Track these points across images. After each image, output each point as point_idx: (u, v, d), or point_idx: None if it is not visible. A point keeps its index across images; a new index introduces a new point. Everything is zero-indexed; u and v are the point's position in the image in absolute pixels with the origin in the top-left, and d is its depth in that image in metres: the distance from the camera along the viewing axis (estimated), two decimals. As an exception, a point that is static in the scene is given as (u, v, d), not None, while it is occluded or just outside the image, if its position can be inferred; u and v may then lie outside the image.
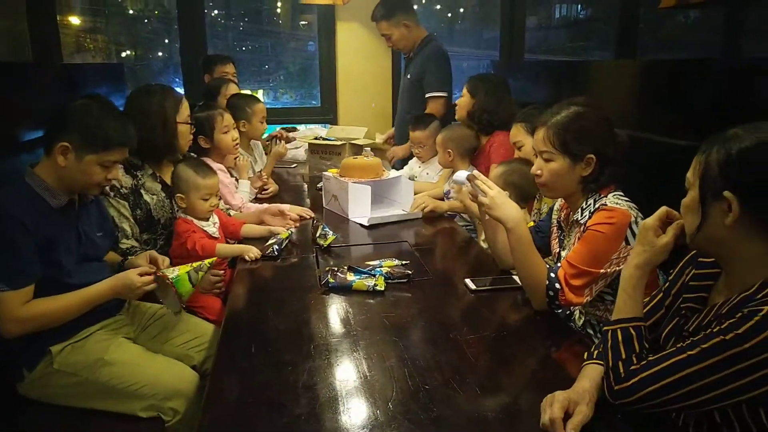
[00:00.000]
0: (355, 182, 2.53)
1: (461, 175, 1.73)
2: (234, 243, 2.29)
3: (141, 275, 1.69)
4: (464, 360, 1.35)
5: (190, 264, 1.77)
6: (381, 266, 1.84)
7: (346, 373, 1.30)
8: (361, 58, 4.38)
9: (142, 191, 2.13)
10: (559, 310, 1.64)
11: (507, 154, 2.70)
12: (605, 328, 1.15)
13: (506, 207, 1.59)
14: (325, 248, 2.15)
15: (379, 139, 3.68)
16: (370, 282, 1.74)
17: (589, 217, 1.57)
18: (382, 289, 1.73)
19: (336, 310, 1.63)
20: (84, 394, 1.69)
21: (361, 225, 2.46)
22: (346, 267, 1.82)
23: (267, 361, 1.35)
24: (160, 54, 5.95)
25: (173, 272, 1.72)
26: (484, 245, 2.10)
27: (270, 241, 2.13)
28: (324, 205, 2.77)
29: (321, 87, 4.65)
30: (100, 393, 1.68)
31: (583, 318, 1.70)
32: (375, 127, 4.17)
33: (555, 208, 1.85)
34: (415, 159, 3.19)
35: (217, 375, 1.33)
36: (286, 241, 2.15)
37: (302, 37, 5.74)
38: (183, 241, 2.08)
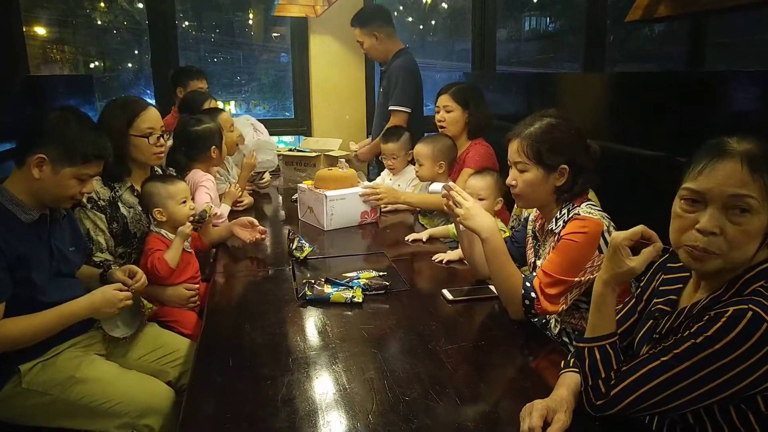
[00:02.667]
0: (330, 193, 2.53)
1: (437, 186, 1.75)
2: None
3: (120, 290, 1.68)
4: (443, 370, 1.36)
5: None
6: (359, 278, 1.84)
7: (326, 386, 1.29)
8: (334, 70, 4.39)
9: (120, 204, 2.10)
10: (535, 319, 1.66)
11: (481, 160, 2.74)
12: (580, 344, 1.14)
13: (481, 218, 1.61)
14: (302, 260, 2.14)
15: (354, 147, 3.69)
16: (348, 294, 1.74)
17: (563, 227, 1.60)
18: (360, 301, 1.73)
19: (314, 323, 1.63)
20: (55, 414, 1.65)
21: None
22: (323, 279, 1.81)
23: (245, 376, 1.34)
24: (130, 65, 5.87)
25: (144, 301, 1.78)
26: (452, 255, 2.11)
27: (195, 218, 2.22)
28: (299, 217, 2.76)
29: (294, 99, 4.64)
30: (72, 412, 1.64)
31: (558, 326, 1.72)
32: (350, 138, 4.18)
33: (530, 218, 1.88)
34: (386, 171, 3.20)
35: (194, 390, 1.32)
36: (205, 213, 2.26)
37: (275, 48, 5.73)
38: (146, 260, 2.07)
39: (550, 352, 1.49)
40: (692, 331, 1.00)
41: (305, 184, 2.71)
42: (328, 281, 1.81)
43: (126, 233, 2.10)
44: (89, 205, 2.02)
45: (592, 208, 1.61)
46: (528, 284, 1.56)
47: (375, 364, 1.38)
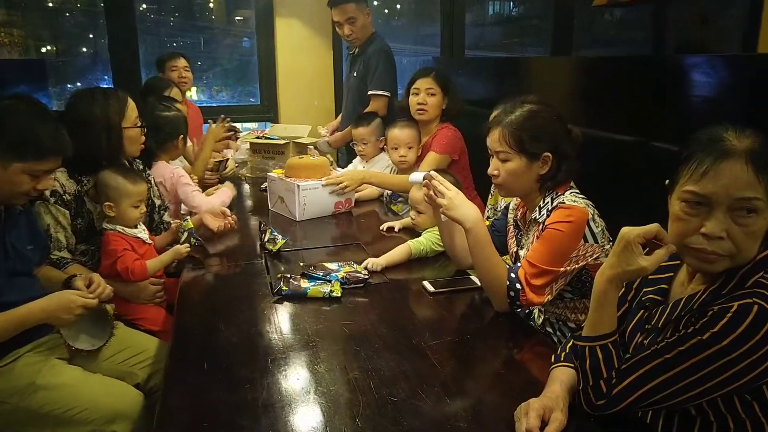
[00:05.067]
0: (303, 183, 2.44)
1: (417, 176, 1.69)
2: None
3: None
4: (429, 367, 1.31)
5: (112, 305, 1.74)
6: (340, 271, 1.77)
7: (308, 388, 1.23)
8: (301, 55, 4.29)
9: (86, 199, 1.98)
10: (519, 310, 1.62)
11: (448, 144, 2.69)
12: (581, 343, 1.09)
13: (464, 207, 1.56)
14: (275, 253, 2.06)
15: (322, 131, 3.60)
16: (326, 288, 1.67)
17: (548, 216, 1.56)
18: (339, 295, 1.67)
19: (292, 320, 1.56)
20: (15, 423, 1.54)
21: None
22: (299, 274, 1.74)
23: (221, 379, 1.26)
24: (84, 50, 5.62)
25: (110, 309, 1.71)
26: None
27: (183, 238, 2.06)
28: (270, 207, 2.67)
29: (260, 85, 4.52)
30: (33, 421, 1.54)
31: (542, 317, 1.70)
32: (318, 125, 4.10)
33: (510, 207, 1.84)
34: (358, 158, 3.12)
35: (168, 396, 1.24)
36: (192, 229, 2.10)
37: (238, 32, 5.56)
38: (113, 260, 1.94)
39: (536, 344, 1.47)
40: (697, 327, 0.97)
41: (275, 173, 2.62)
42: (304, 275, 1.75)
43: (91, 230, 1.99)
44: (53, 199, 1.90)
45: (576, 196, 1.58)
46: (513, 275, 1.52)
47: (358, 362, 1.33)
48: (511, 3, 6.45)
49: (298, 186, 2.43)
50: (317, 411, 1.15)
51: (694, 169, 1.02)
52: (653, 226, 1.03)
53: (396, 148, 2.73)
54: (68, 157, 1.68)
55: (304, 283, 1.70)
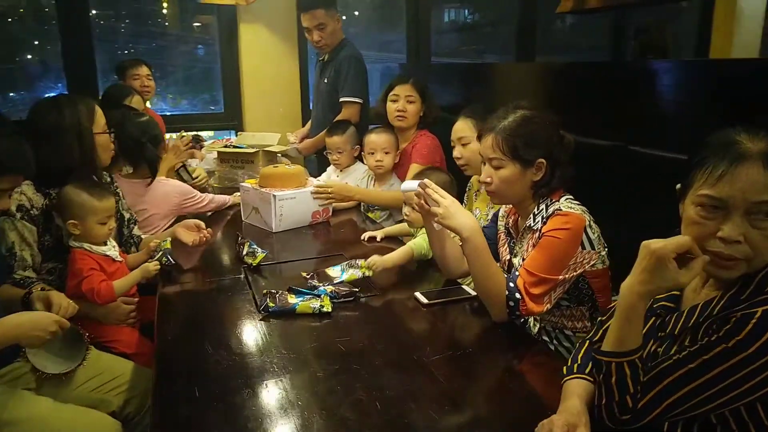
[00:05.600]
0: (279, 193, 2.36)
1: (411, 185, 1.63)
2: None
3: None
4: (436, 384, 1.25)
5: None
6: (342, 276, 1.72)
7: (312, 413, 1.15)
8: (266, 61, 4.19)
9: (55, 214, 1.84)
10: (521, 320, 1.59)
11: (429, 154, 2.67)
12: (606, 358, 1.03)
13: (461, 216, 1.52)
14: (255, 267, 1.97)
15: (291, 137, 3.51)
16: (315, 304, 1.60)
17: (543, 223, 1.53)
18: (329, 310, 1.60)
19: (283, 339, 1.48)
20: (-20, 463, 1.41)
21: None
22: (286, 289, 1.66)
23: (216, 408, 1.17)
24: (29, 57, 5.34)
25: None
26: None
27: (157, 256, 1.93)
28: (243, 219, 2.57)
29: (224, 92, 4.39)
30: (1, 460, 1.41)
31: (538, 325, 1.67)
32: (283, 132, 4.01)
33: (500, 214, 1.81)
34: (332, 168, 3.05)
35: (158, 430, 1.14)
36: (169, 249, 1.96)
37: (198, 39, 5.39)
38: (79, 281, 1.81)
39: (536, 354, 1.43)
40: (720, 335, 0.94)
41: (249, 183, 2.53)
42: (291, 290, 1.67)
43: (59, 247, 1.85)
44: (18, 215, 1.76)
45: (572, 203, 1.55)
46: (512, 285, 1.48)
47: (361, 382, 1.26)
48: (467, 10, 6.49)
49: (274, 196, 2.35)
50: (325, 438, 1.08)
51: (709, 173, 1.00)
52: (685, 240, 0.99)
53: (372, 153, 2.69)
54: (33, 171, 1.56)
55: (292, 299, 1.62)
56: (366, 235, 2.27)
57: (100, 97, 3.29)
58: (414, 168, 2.62)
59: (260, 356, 1.38)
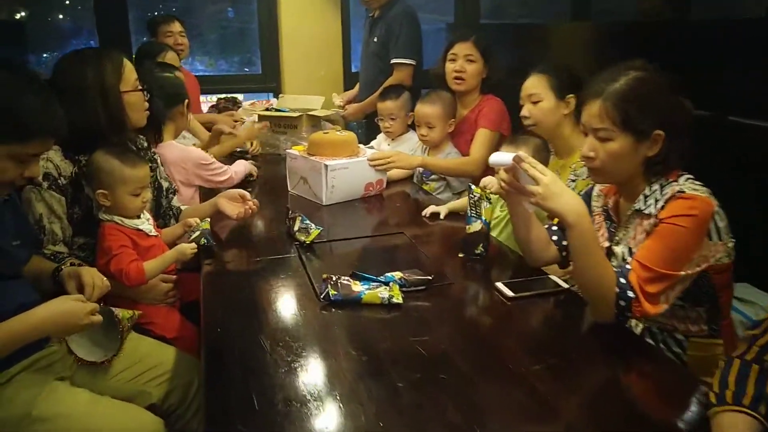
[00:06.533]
0: (331, 162, 2.13)
1: (502, 157, 1.39)
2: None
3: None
4: (544, 404, 1.03)
5: (126, 310, 1.45)
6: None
7: (398, 436, 0.95)
8: (307, 19, 3.92)
9: (84, 182, 1.65)
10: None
11: (498, 119, 2.43)
12: None
13: (565, 197, 1.27)
14: (308, 245, 1.76)
15: (337, 100, 3.27)
16: (384, 293, 1.38)
17: (661, 208, 1.28)
18: (400, 302, 1.38)
19: (351, 335, 1.27)
20: (6, 466, 1.25)
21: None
22: (348, 274, 1.45)
23: (282, 424, 0.97)
24: (60, 17, 5.15)
25: (117, 312, 1.39)
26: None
27: (194, 235, 1.72)
28: (290, 189, 2.36)
29: (262, 53, 4.15)
30: (29, 463, 1.24)
31: (641, 325, 1.43)
32: (325, 96, 3.77)
33: (594, 192, 1.55)
34: (382, 136, 2.81)
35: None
36: (208, 230, 1.75)
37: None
38: (108, 260, 1.60)
39: (655, 364, 1.20)
40: None
41: (296, 150, 2.30)
42: (355, 275, 1.45)
43: (89, 219, 1.66)
44: (45, 184, 1.58)
45: (694, 183, 1.29)
46: (623, 280, 1.24)
47: (450, 397, 1.04)
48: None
49: (326, 166, 2.12)
50: (419, 473, 0.87)
51: None
52: None
53: (419, 126, 2.47)
54: (65, 132, 1.36)
55: (357, 287, 1.41)
56: (428, 211, 2.03)
57: (133, 56, 3.09)
58: (482, 134, 2.37)
59: (326, 357, 1.17)
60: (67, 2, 4.96)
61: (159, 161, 1.99)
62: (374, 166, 2.23)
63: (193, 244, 1.68)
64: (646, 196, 1.34)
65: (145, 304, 1.72)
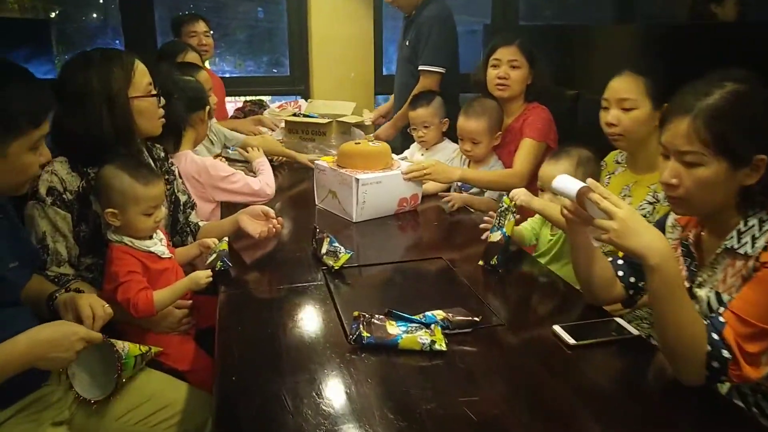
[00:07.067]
0: (363, 176, 1.95)
1: (567, 184, 1.18)
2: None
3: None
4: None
5: (138, 345, 1.30)
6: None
7: None
8: (338, 20, 3.75)
9: (93, 198, 1.50)
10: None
11: (545, 129, 2.23)
12: None
13: (648, 235, 1.06)
14: (336, 271, 1.58)
15: (368, 117, 3.08)
16: (425, 339, 1.19)
17: (764, 248, 1.07)
18: (444, 349, 1.19)
19: (386, 390, 1.07)
20: None
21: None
22: (383, 312, 1.26)
23: None
24: (94, 15, 5.09)
25: (122, 347, 1.22)
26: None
27: (210, 258, 1.56)
28: (317, 203, 2.18)
29: (290, 53, 4.00)
30: None
31: (727, 383, 1.21)
32: (355, 100, 3.59)
33: (669, 222, 1.34)
34: (416, 145, 2.62)
35: None
36: (225, 251, 1.58)
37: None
38: (116, 285, 1.44)
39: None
40: None
41: (324, 161, 2.13)
42: (390, 314, 1.27)
43: (97, 238, 1.50)
44: (50, 200, 1.43)
45: (801, 220, 1.08)
46: (716, 336, 1.03)
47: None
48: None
49: (357, 180, 1.94)
50: None
51: None
52: None
53: (462, 139, 2.27)
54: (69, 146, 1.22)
55: (392, 328, 1.22)
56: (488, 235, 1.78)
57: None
58: (526, 145, 2.17)
59: (357, 421, 0.99)
60: (101, 1, 4.90)
61: (177, 173, 1.83)
62: (409, 179, 2.03)
63: (209, 271, 1.50)
64: (740, 233, 1.12)
65: (156, 334, 1.56)
